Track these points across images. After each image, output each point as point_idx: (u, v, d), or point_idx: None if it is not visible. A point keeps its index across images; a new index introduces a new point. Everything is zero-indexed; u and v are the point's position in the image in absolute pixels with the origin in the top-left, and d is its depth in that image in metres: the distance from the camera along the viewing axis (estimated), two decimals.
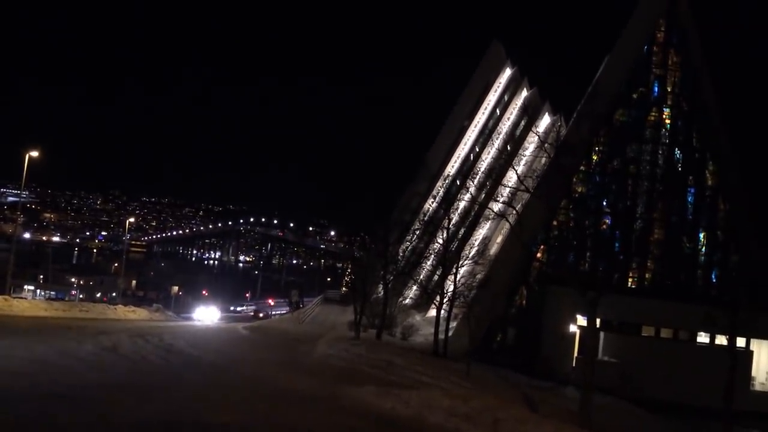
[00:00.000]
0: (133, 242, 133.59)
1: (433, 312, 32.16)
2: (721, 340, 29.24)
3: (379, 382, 12.93)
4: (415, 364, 18.39)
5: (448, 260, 32.13)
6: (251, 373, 13.67)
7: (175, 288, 72.17)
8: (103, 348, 14.14)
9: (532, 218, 28.81)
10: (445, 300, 30.46)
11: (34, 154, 31.33)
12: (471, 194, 36.46)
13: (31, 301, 34.22)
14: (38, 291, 65.57)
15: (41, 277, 71.35)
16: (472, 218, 40.33)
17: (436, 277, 36.73)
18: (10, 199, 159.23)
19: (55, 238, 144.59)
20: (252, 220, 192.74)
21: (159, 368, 12.85)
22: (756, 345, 33.90)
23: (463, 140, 50.69)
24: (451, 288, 30.77)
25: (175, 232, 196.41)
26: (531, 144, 38.71)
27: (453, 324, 31.54)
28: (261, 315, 58.99)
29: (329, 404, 10.27)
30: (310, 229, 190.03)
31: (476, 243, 38.32)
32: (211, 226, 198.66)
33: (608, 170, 38.17)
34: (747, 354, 32.96)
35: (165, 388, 10.32)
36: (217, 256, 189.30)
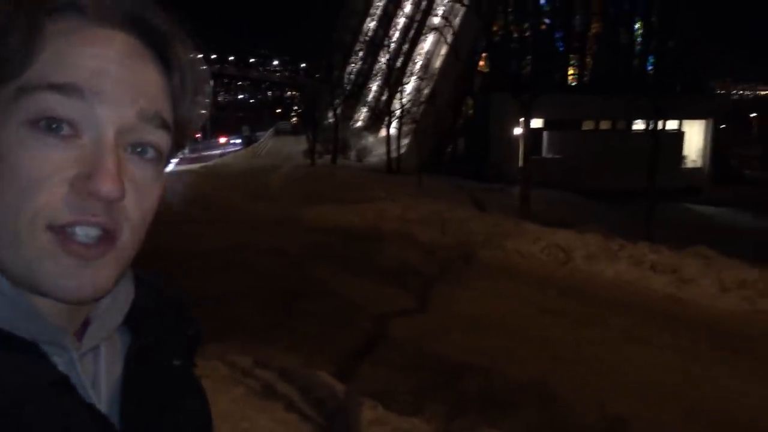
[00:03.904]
0: None
1: (384, 132, 33.08)
2: (659, 124, 31.03)
3: (338, 201, 14.08)
4: (370, 182, 19.58)
5: (393, 78, 32.48)
6: (224, 205, 14.68)
7: None
8: None
9: (469, 29, 28.90)
10: (394, 118, 31.33)
11: None
12: (406, 11, 35.85)
13: None
14: None
15: None
16: (413, 34, 39.92)
17: (383, 98, 37.18)
18: None
19: None
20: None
21: None
22: (688, 126, 36.13)
23: None
24: (399, 106, 31.52)
25: None
26: None
27: (405, 141, 32.66)
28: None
29: (296, 224, 11.39)
30: (252, 60, 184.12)
31: (419, 58, 38.39)
32: None
33: None
34: (679, 135, 35.25)
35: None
36: None
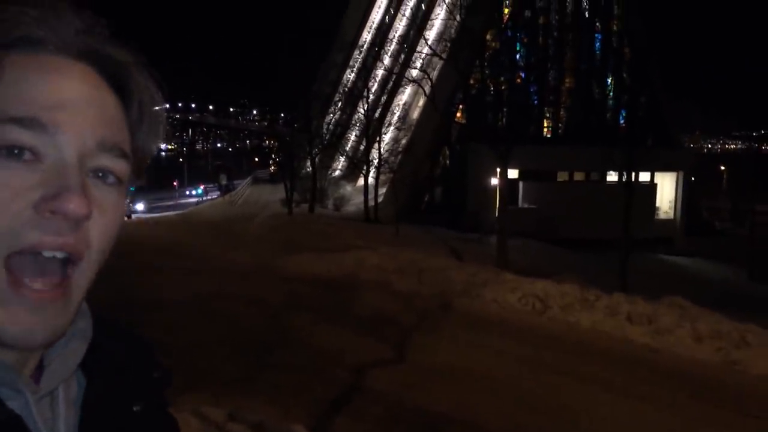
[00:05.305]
0: None
1: (362, 181, 33.28)
2: (632, 176, 31.56)
3: (315, 249, 14.02)
4: (348, 230, 19.58)
5: (371, 129, 32.88)
6: (200, 253, 14.52)
7: None
8: None
9: (446, 82, 29.51)
10: (371, 168, 31.60)
11: None
12: (386, 63, 36.58)
13: None
14: None
15: None
16: (391, 86, 40.61)
17: (361, 147, 37.51)
18: None
19: None
20: (168, 106, 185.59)
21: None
22: (660, 178, 36.87)
23: (377, 5, 49.62)
24: (377, 156, 31.83)
25: None
26: (441, 8, 38.52)
27: (382, 191, 32.87)
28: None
29: (273, 273, 11.28)
30: (231, 110, 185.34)
31: (397, 109, 38.98)
32: None
33: (519, 23, 38.64)
34: (651, 187, 35.92)
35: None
36: None
